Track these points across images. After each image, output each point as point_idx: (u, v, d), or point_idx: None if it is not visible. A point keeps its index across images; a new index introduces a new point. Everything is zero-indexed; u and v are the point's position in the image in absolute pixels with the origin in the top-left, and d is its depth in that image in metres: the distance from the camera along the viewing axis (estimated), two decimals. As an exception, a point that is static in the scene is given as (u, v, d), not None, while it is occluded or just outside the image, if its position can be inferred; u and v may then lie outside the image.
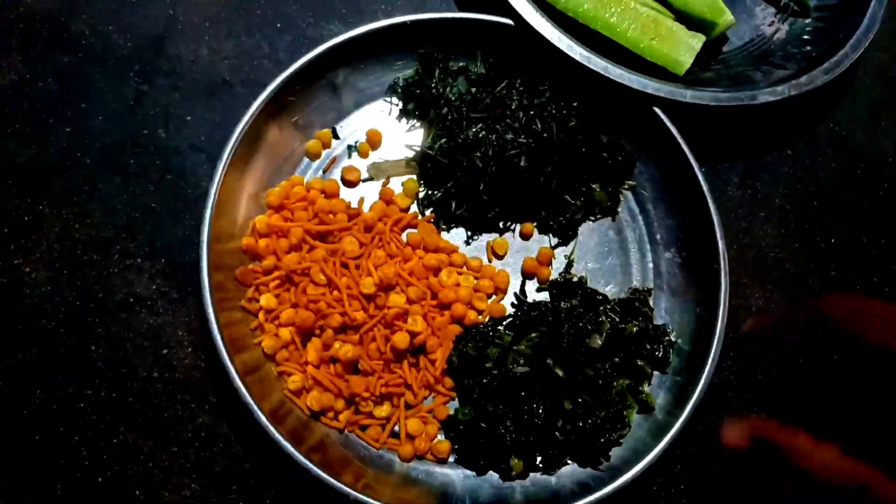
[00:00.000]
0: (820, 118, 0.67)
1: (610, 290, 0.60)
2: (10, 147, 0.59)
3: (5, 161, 0.59)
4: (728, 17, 0.63)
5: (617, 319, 0.55)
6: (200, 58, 0.63)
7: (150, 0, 0.64)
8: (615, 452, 0.53)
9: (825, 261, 0.63)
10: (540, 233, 0.60)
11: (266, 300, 0.53)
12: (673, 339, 0.56)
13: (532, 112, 0.58)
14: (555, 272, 0.59)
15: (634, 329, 0.54)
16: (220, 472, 0.53)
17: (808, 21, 0.67)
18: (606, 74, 0.57)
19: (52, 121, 0.60)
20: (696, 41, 0.62)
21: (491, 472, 0.53)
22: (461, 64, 0.61)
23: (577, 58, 0.57)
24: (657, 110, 0.58)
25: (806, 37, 0.66)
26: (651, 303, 0.59)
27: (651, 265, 0.61)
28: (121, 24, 0.63)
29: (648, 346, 0.56)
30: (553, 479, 0.53)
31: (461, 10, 0.65)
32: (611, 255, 0.61)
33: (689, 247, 0.59)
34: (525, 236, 0.60)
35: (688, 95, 0.58)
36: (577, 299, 0.56)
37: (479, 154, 0.57)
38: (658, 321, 0.58)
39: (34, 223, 0.57)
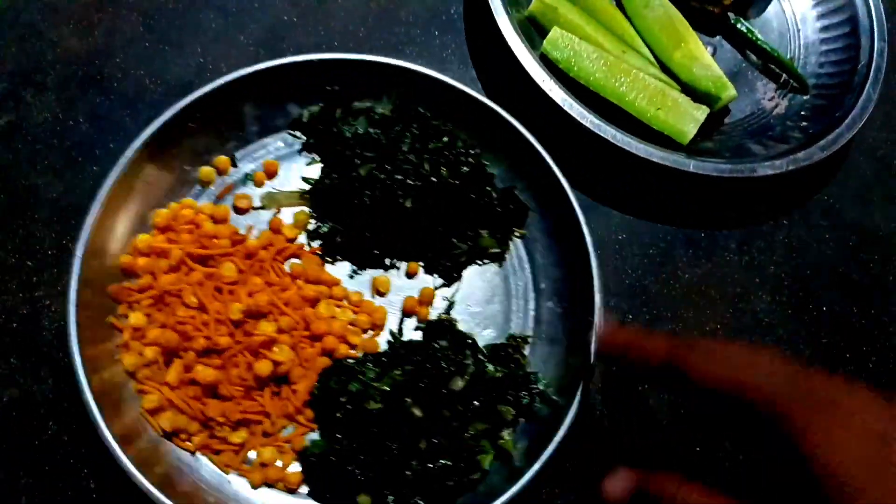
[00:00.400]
0: (815, 190, 0.71)
1: (488, 335, 0.60)
2: (40, 182, 0.61)
3: (36, 194, 0.60)
4: (731, 91, 0.68)
5: (484, 363, 0.56)
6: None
7: (182, 48, 0.67)
8: (468, 497, 0.53)
9: (816, 328, 0.66)
10: (426, 272, 0.61)
11: (135, 318, 0.54)
12: (540, 388, 0.57)
13: (425, 155, 0.59)
14: (435, 313, 0.60)
15: (498, 374, 0.55)
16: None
17: (806, 98, 0.72)
18: (614, 142, 0.61)
19: (82, 159, 0.62)
20: (701, 113, 0.66)
21: None
22: (367, 104, 0.63)
23: (587, 125, 0.62)
24: (548, 161, 0.59)
25: (804, 112, 0.71)
26: (527, 350, 0.59)
27: (532, 313, 0.61)
28: (153, 70, 0.66)
29: (515, 393, 0.56)
30: None
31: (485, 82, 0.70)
32: (494, 299, 0.62)
33: (570, 298, 0.60)
34: (410, 275, 0.61)
35: (691, 166, 0.62)
36: (445, 341, 0.56)
37: (367, 192, 0.58)
38: (532, 368, 0.58)
39: (58, 257, 0.58)
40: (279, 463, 0.53)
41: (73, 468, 0.52)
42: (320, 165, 0.63)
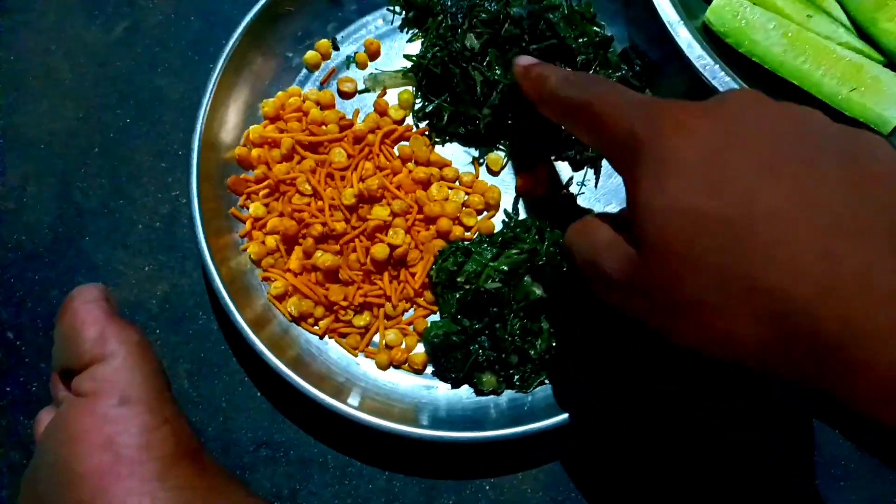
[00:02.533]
0: None
1: (611, 210, 0.57)
2: (162, 84, 0.61)
3: (160, 96, 0.61)
4: None
5: None
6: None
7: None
8: None
9: None
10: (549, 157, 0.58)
11: (255, 208, 0.55)
12: None
13: (541, 16, 0.54)
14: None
15: None
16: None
17: None
18: None
19: (198, 58, 0.62)
20: None
21: (466, 386, 0.53)
22: (468, -31, 0.58)
23: None
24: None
25: None
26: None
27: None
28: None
29: None
30: (528, 397, 0.52)
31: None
32: (612, 172, 0.58)
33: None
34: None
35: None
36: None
37: (474, 65, 0.55)
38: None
39: (187, 156, 0.55)
40: (403, 345, 0.54)
41: (223, 353, 0.55)
42: (422, 40, 0.59)
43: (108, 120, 0.60)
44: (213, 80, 0.54)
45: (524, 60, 0.45)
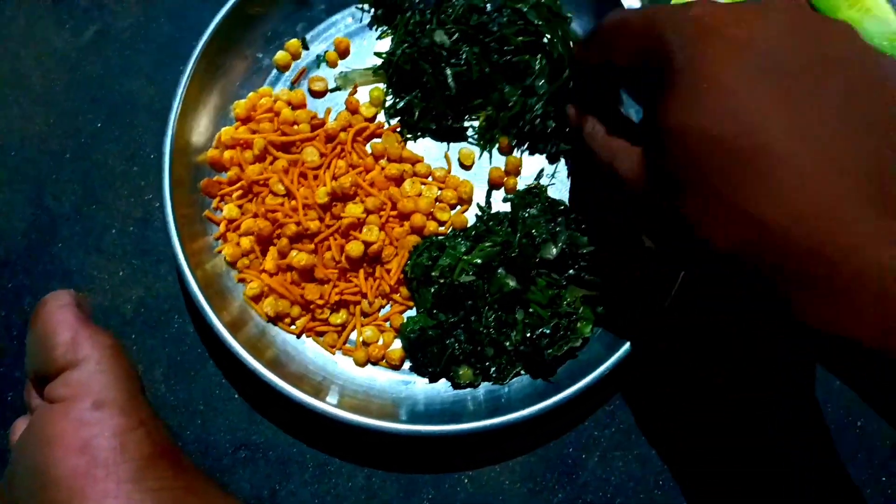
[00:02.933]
0: None
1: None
2: (134, 87, 0.61)
3: (132, 100, 0.61)
4: None
5: (577, 231, 0.53)
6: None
7: None
8: (569, 365, 0.52)
9: None
10: (514, 149, 0.58)
11: (229, 210, 0.55)
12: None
13: (517, 13, 0.55)
14: (523, 183, 0.57)
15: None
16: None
17: None
18: None
19: (168, 60, 0.62)
20: None
21: (444, 379, 0.54)
22: (436, -37, 0.58)
23: None
24: None
25: None
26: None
27: (629, 174, 0.58)
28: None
29: None
30: (505, 388, 0.53)
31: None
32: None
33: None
34: (503, 151, 0.58)
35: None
36: (535, 209, 0.54)
37: (442, 63, 0.55)
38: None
39: (160, 160, 0.55)
40: (381, 341, 0.54)
41: (200, 357, 0.55)
42: (391, 37, 0.59)
43: (80, 125, 0.60)
44: (183, 83, 0.54)
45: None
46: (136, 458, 0.31)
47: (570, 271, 0.52)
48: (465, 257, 0.52)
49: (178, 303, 0.56)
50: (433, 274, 0.52)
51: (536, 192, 0.55)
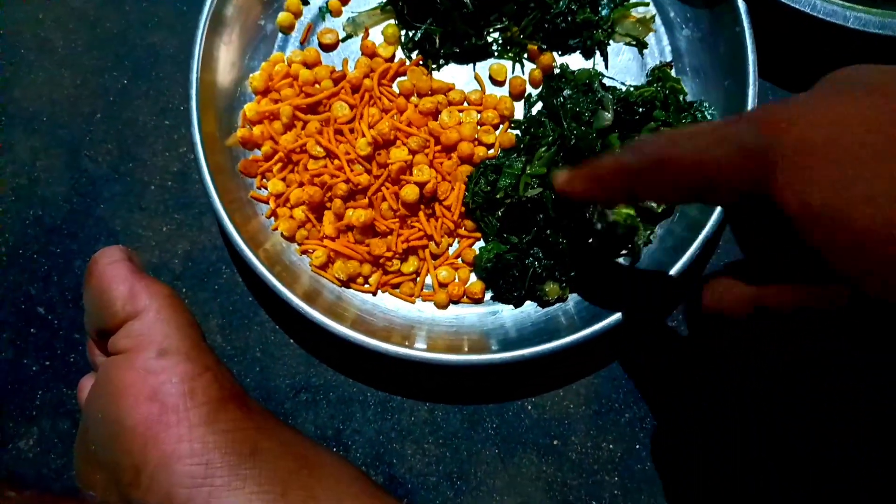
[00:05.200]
0: None
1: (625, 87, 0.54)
2: (156, 40, 0.60)
3: (155, 53, 0.60)
4: None
5: (629, 88, 0.49)
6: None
7: None
8: (653, 255, 0.51)
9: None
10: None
11: (273, 185, 0.53)
12: (709, 116, 0.51)
13: None
14: (559, 82, 0.55)
15: (648, 94, 0.48)
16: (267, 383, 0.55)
17: None
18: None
19: (187, 9, 0.60)
20: None
21: (529, 301, 0.52)
22: None
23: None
24: None
25: None
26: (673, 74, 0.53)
27: (669, 48, 0.55)
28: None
29: (675, 115, 0.50)
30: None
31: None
32: (620, 49, 0.55)
33: (707, 18, 0.52)
34: (533, 58, 0.55)
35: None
36: (568, 88, 0.50)
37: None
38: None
39: (190, 111, 0.53)
40: (456, 279, 0.53)
41: (251, 306, 0.55)
42: (391, -31, 0.56)
43: (107, 83, 0.59)
44: (193, 76, 0.52)
45: (562, 177, 0.39)
46: (205, 403, 0.31)
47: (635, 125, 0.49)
48: (528, 170, 0.49)
49: (225, 254, 0.56)
50: (497, 197, 0.50)
51: (561, 74, 0.52)
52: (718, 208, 0.47)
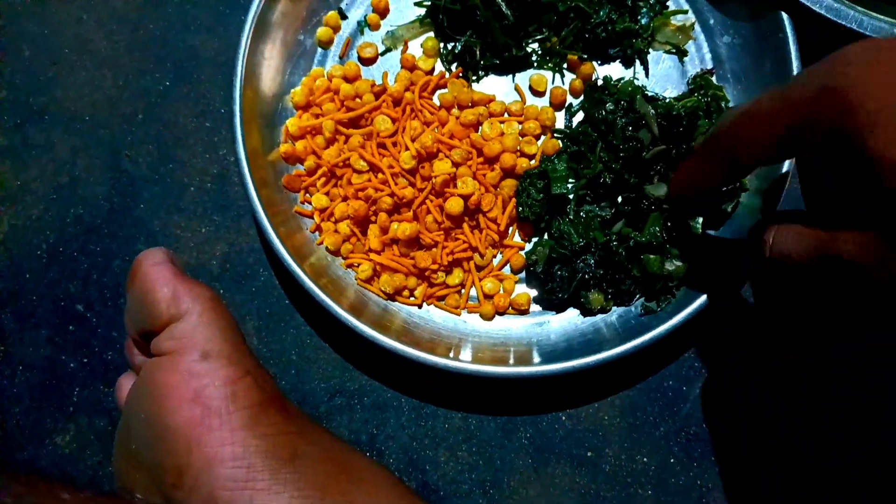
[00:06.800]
0: None
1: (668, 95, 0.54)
2: (197, 42, 0.60)
3: (196, 55, 0.60)
4: None
5: (667, 101, 0.49)
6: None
7: None
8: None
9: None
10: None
11: (317, 200, 0.54)
12: None
13: None
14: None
15: (691, 104, 0.48)
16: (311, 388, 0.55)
17: None
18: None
19: (229, 11, 0.61)
20: None
21: (572, 309, 0.52)
22: None
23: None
24: None
25: None
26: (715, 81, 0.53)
27: (709, 55, 0.55)
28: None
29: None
30: (632, 308, 0.51)
31: None
32: (660, 58, 0.55)
33: (748, 25, 0.52)
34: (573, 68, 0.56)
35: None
36: (612, 102, 0.50)
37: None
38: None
39: (230, 113, 0.53)
40: (501, 290, 0.53)
41: (288, 309, 0.55)
42: (430, -18, 0.57)
43: (148, 85, 0.60)
44: (235, 93, 0.52)
45: (672, 186, 0.43)
46: (247, 407, 0.32)
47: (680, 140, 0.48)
48: (584, 170, 0.50)
49: (262, 256, 0.56)
50: (555, 204, 0.50)
51: (604, 86, 0.52)
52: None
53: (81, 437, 0.54)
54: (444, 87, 0.56)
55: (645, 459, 0.51)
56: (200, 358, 0.33)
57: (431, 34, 0.56)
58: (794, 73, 0.49)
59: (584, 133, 0.51)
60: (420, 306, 0.53)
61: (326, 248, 0.53)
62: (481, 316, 0.53)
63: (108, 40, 0.61)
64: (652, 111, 0.48)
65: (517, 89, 0.56)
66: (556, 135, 0.54)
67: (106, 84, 0.60)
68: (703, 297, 0.47)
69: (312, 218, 0.54)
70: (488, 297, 0.53)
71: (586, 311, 0.52)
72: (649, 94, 0.50)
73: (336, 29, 0.58)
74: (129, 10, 0.61)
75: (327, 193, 0.54)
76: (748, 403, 0.51)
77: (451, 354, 0.49)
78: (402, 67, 0.56)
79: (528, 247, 0.53)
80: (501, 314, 0.53)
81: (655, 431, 0.52)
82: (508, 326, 0.52)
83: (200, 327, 0.33)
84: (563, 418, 0.52)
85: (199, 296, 0.34)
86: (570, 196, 0.50)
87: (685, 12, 0.55)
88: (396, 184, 0.52)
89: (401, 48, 0.57)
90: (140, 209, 0.57)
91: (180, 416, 0.31)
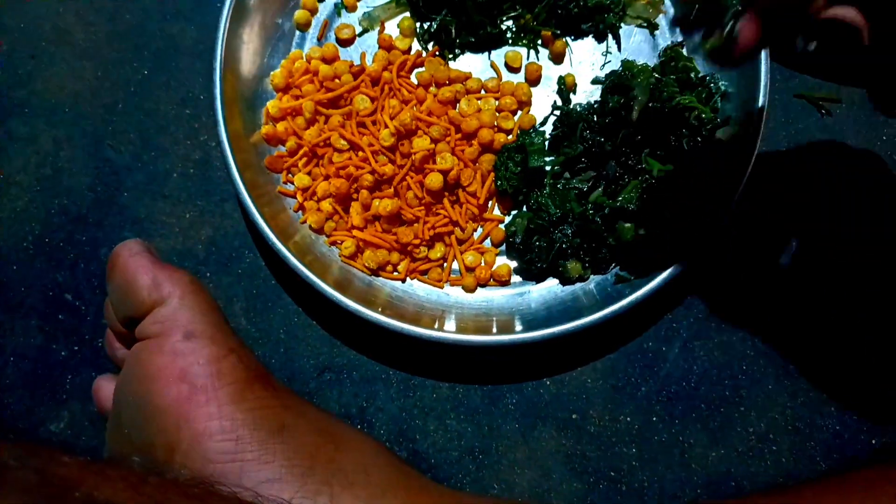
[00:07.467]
0: None
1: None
2: (174, 31, 0.61)
3: (173, 43, 0.61)
4: None
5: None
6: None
7: None
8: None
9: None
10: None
11: (300, 180, 0.55)
12: (720, 85, 0.52)
13: None
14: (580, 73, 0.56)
15: (686, 101, 0.49)
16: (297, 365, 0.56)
17: None
18: None
19: None
20: None
21: (551, 278, 0.54)
22: None
23: None
24: None
25: None
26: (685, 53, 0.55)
27: (678, 27, 0.56)
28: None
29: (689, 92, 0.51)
30: (609, 276, 0.53)
31: None
32: (632, 31, 0.57)
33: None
34: (555, 58, 0.57)
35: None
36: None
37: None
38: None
39: (210, 100, 0.53)
40: (482, 262, 0.54)
41: (274, 289, 0.56)
42: (403, -37, 0.57)
43: (128, 74, 0.60)
44: (216, 74, 0.53)
45: None
46: (232, 383, 0.33)
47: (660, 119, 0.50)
48: (565, 148, 0.51)
49: (247, 239, 0.57)
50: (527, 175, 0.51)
51: (623, 71, 0.52)
52: None
53: (75, 424, 0.55)
54: (422, 65, 0.57)
55: (628, 419, 0.53)
56: (184, 338, 0.34)
57: (407, 14, 0.57)
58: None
59: (567, 114, 0.52)
60: (403, 280, 0.54)
61: (310, 226, 0.54)
62: (464, 288, 0.54)
63: (86, 31, 0.61)
64: (640, 97, 0.49)
65: (493, 66, 0.57)
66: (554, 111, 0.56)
67: (86, 75, 0.61)
68: (677, 265, 0.49)
69: (295, 197, 0.55)
70: (470, 269, 0.54)
71: (565, 280, 0.53)
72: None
73: (313, 11, 0.58)
74: (106, 0, 0.62)
75: (309, 173, 0.55)
76: (725, 359, 0.53)
77: (436, 326, 0.51)
78: (379, 47, 0.57)
79: (508, 220, 0.55)
80: (483, 286, 0.54)
81: (637, 392, 0.53)
82: (490, 297, 0.54)
83: (183, 310, 0.35)
84: (548, 383, 0.54)
85: (178, 280, 0.35)
86: (547, 168, 0.52)
87: (654, -14, 0.56)
88: (377, 161, 0.53)
89: (378, 29, 0.58)
90: (124, 197, 0.58)
91: (168, 394, 0.32)
